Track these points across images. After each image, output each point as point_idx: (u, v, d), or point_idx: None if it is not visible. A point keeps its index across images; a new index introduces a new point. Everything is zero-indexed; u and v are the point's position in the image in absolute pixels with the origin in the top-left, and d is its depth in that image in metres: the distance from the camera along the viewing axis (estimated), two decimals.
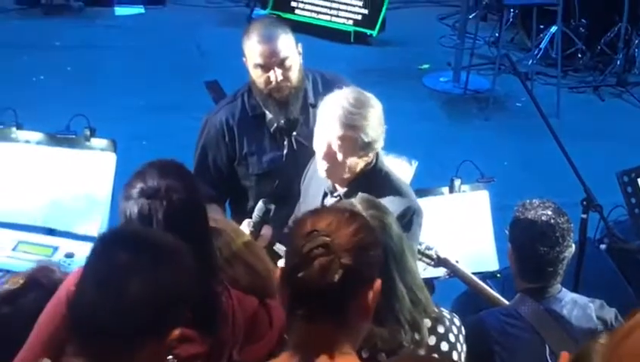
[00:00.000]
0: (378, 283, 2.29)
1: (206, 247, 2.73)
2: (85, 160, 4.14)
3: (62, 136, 4.19)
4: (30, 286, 2.85)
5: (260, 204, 3.83)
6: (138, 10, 10.12)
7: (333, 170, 3.55)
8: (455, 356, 2.92)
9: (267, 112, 4.08)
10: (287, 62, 3.97)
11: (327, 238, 2.20)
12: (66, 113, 4.37)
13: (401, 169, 4.15)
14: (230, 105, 4.16)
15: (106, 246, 2.22)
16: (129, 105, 7.77)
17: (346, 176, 3.57)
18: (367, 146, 3.52)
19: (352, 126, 3.46)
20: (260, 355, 2.80)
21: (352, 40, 9.50)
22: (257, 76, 4.00)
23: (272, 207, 3.81)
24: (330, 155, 3.51)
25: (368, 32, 9.54)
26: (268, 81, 3.99)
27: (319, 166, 3.58)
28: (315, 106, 4.04)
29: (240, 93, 4.16)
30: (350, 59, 8.96)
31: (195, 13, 10.15)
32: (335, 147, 3.49)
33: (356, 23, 9.55)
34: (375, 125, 3.51)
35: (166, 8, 10.30)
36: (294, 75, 4.01)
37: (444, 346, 2.91)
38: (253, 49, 3.98)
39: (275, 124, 4.06)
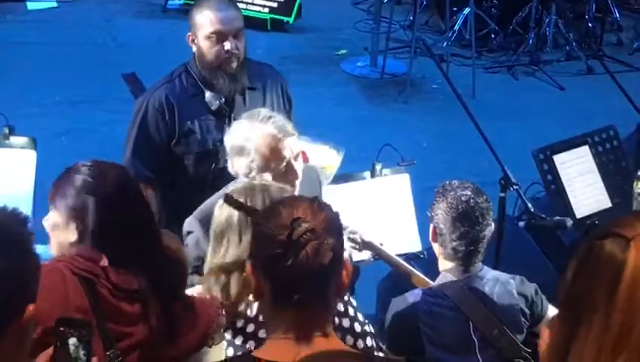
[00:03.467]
0: (348, 262, 2.40)
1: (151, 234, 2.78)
2: (5, 158, 4.09)
3: None
4: None
5: None
6: (50, 4, 9.97)
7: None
8: (358, 327, 2.98)
9: (206, 92, 4.11)
10: (240, 33, 4.07)
11: (311, 223, 2.26)
12: None
13: (328, 156, 4.20)
14: (168, 85, 4.16)
15: None
16: (46, 102, 7.68)
17: None
18: None
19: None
20: (187, 348, 2.83)
21: (268, 27, 9.51)
22: (209, 47, 4.06)
23: None
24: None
25: (285, 19, 9.56)
26: (220, 52, 4.05)
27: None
28: (250, 89, 4.14)
29: (177, 74, 4.19)
30: (268, 47, 8.96)
31: (108, 4, 10.03)
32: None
33: (272, 10, 9.56)
34: None
35: (79, 1, 10.15)
36: (242, 48, 4.09)
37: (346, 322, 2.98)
38: (208, 18, 4.03)
39: (217, 102, 4.09)
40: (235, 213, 3.00)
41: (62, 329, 2.29)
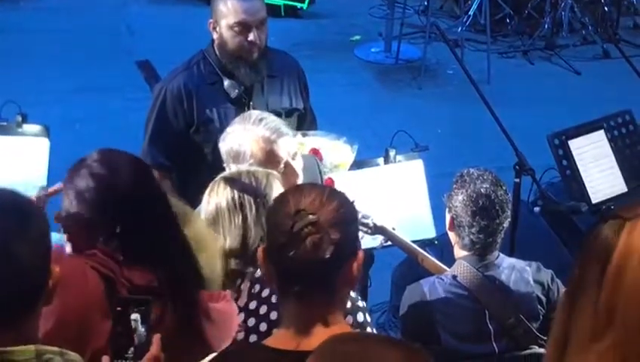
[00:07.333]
0: (361, 253, 2.37)
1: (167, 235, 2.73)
2: (18, 146, 4.09)
3: None
4: None
5: None
6: None
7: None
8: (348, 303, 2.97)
9: (225, 80, 4.08)
10: (264, 24, 4.03)
11: (314, 216, 2.25)
12: None
13: (341, 152, 4.17)
14: (186, 72, 4.14)
15: None
16: (59, 89, 7.67)
17: None
18: None
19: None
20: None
21: (282, 14, 9.46)
22: (231, 37, 4.02)
23: None
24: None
25: (298, 5, 9.52)
26: (243, 42, 4.01)
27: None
28: (269, 77, 4.10)
29: (194, 61, 4.16)
30: (281, 33, 8.89)
31: None
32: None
33: None
34: None
35: None
36: (264, 38, 4.06)
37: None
38: (232, 7, 3.99)
39: (236, 90, 4.07)
40: (223, 200, 3.04)
41: (119, 309, 2.29)
